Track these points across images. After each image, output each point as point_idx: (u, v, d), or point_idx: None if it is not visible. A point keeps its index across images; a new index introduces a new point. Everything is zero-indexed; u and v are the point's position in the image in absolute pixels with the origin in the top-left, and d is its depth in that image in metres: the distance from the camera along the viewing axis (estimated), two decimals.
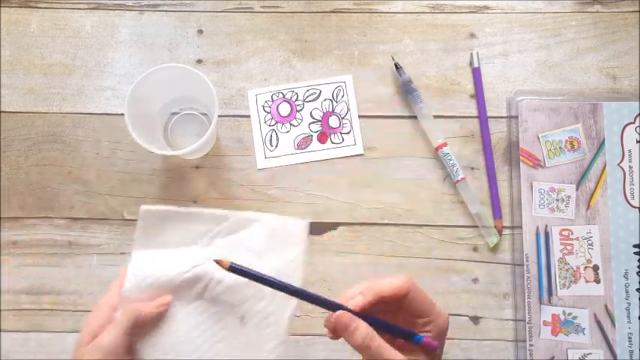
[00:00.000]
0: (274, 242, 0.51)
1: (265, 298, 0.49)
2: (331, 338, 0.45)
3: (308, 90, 0.67)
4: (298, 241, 0.51)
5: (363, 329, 0.42)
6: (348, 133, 0.66)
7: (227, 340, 0.50)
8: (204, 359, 0.49)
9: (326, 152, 0.65)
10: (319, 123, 0.66)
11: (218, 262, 0.45)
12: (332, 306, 0.44)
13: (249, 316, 0.49)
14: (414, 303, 0.43)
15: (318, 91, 0.67)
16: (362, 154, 0.65)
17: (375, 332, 0.42)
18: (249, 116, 0.66)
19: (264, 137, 0.66)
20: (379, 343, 0.41)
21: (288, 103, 0.66)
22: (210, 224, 0.50)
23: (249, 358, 0.49)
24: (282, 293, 0.47)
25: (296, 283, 0.48)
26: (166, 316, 0.49)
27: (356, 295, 0.44)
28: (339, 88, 0.67)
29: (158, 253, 0.50)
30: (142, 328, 0.46)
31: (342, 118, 0.66)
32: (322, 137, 0.66)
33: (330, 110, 0.66)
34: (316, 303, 0.45)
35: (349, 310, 0.43)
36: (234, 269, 0.45)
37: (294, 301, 0.49)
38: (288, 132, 0.66)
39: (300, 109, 0.66)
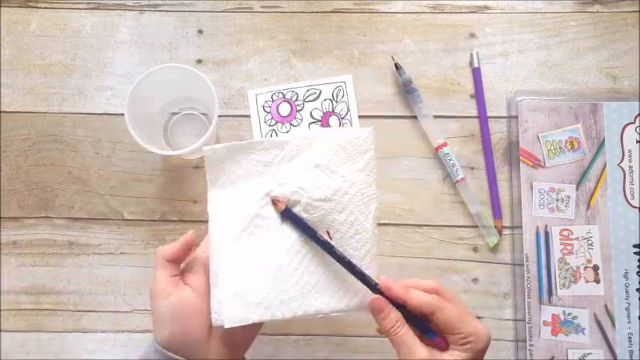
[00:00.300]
0: (342, 154, 0.51)
1: (346, 207, 0.50)
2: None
3: (308, 90, 0.67)
4: (366, 149, 0.52)
5: (393, 316, 0.45)
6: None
7: (320, 257, 0.51)
8: (304, 279, 0.50)
9: None
10: (319, 123, 0.66)
11: (274, 201, 0.47)
12: (369, 283, 0.47)
13: (334, 229, 0.50)
14: (440, 322, 0.45)
15: (318, 91, 0.67)
16: None
17: (404, 322, 0.45)
18: (249, 116, 0.66)
19: (263, 137, 0.66)
20: (406, 331, 0.45)
21: (288, 103, 0.66)
22: (274, 151, 0.52)
23: (344, 274, 0.50)
24: (365, 201, 0.50)
25: (372, 190, 0.51)
26: (256, 248, 0.50)
27: (398, 285, 0.47)
28: (339, 88, 0.67)
29: (231, 192, 0.51)
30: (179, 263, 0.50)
31: (342, 118, 0.66)
32: None
33: (330, 110, 0.66)
34: (356, 275, 0.47)
35: (385, 296, 0.47)
36: (286, 214, 0.47)
37: (373, 204, 0.51)
38: (288, 132, 0.66)
39: (300, 109, 0.66)
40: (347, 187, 0.50)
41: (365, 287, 0.48)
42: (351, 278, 0.49)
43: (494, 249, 0.64)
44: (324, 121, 0.66)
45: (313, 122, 0.66)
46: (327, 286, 0.50)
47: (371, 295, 0.48)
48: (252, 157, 0.51)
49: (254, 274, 0.49)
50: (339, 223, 0.50)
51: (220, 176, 0.51)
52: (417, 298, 0.46)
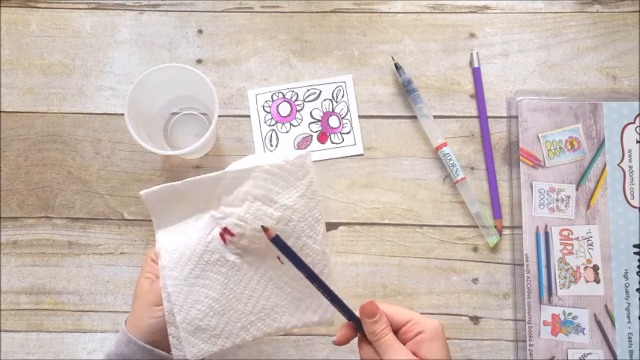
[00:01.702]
0: (281, 183, 0.52)
1: (292, 234, 0.51)
2: (337, 343, 0.49)
3: (308, 90, 0.67)
4: (304, 173, 0.52)
5: (384, 320, 0.47)
6: (348, 133, 0.66)
7: (274, 280, 0.52)
8: (260, 304, 0.52)
9: (326, 152, 0.65)
10: (319, 123, 0.66)
11: (265, 229, 0.46)
12: (349, 313, 0.48)
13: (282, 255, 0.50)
14: (389, 319, 0.47)
15: (318, 91, 0.67)
16: (362, 154, 0.65)
17: (390, 327, 0.47)
18: (249, 116, 0.66)
19: (264, 137, 0.66)
20: (392, 335, 0.46)
21: (288, 103, 0.66)
22: (211, 187, 0.52)
23: (300, 287, 0.52)
24: (310, 224, 0.51)
25: (317, 212, 0.52)
26: (209, 282, 0.51)
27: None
28: (339, 88, 0.67)
29: (178, 230, 0.52)
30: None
31: (342, 118, 0.66)
32: (322, 137, 0.66)
33: (330, 110, 0.66)
34: (339, 308, 0.48)
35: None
36: (276, 242, 0.46)
37: (320, 225, 0.52)
38: (288, 132, 0.66)
39: (300, 109, 0.66)
40: (290, 215, 0.51)
41: (325, 302, 0.52)
42: (310, 296, 0.53)
43: (495, 249, 0.64)
44: (324, 121, 0.66)
45: (313, 122, 0.66)
46: (285, 306, 0.53)
47: (332, 311, 0.53)
48: (191, 195, 0.52)
49: (210, 308, 0.50)
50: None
51: (164, 216, 0.53)
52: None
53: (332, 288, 0.48)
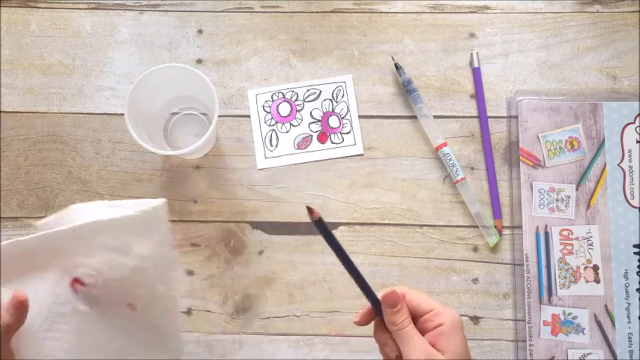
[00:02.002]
0: (135, 233, 0.51)
1: (145, 282, 0.51)
2: (357, 323, 0.48)
3: (308, 90, 0.67)
4: (159, 221, 0.52)
5: (405, 311, 0.46)
6: (348, 133, 0.66)
7: (125, 328, 0.52)
8: (113, 352, 0.52)
9: (326, 152, 0.65)
10: (319, 123, 0.66)
11: (309, 209, 0.46)
12: (373, 298, 0.47)
13: (137, 301, 0.51)
14: (411, 306, 0.46)
15: (318, 91, 0.67)
16: (362, 154, 0.65)
17: (410, 318, 0.46)
18: (249, 116, 0.66)
19: (264, 137, 0.66)
20: (413, 326, 0.46)
21: (288, 103, 0.66)
22: (65, 241, 0.50)
23: (151, 333, 0.53)
24: (164, 272, 0.52)
25: (171, 260, 0.53)
26: (58, 335, 0.49)
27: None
28: (339, 88, 0.67)
29: (24, 282, 0.49)
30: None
31: (342, 118, 0.66)
32: (322, 137, 0.66)
33: (330, 110, 0.66)
34: (362, 288, 0.48)
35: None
36: (318, 224, 0.47)
37: (177, 271, 0.55)
38: (288, 132, 0.66)
39: (300, 109, 0.66)
40: (144, 264, 0.51)
41: (174, 345, 0.54)
42: (159, 340, 0.53)
43: (494, 249, 0.64)
44: (324, 121, 0.66)
45: (313, 122, 0.66)
46: (137, 353, 0.53)
47: (179, 353, 0.55)
48: (43, 249, 0.50)
49: None
50: (140, 297, 0.51)
51: (10, 272, 0.50)
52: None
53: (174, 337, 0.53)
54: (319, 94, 0.67)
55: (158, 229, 0.52)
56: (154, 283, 0.52)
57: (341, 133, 0.66)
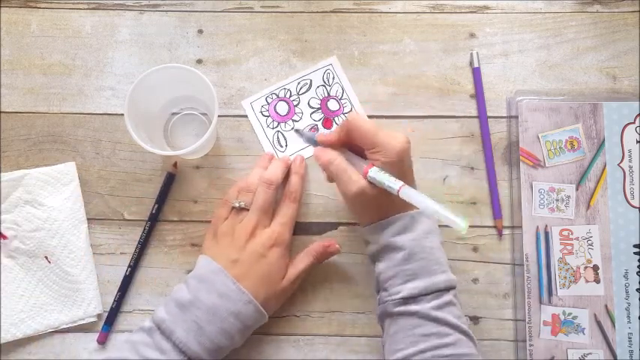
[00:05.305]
0: (48, 188, 0.63)
1: (57, 233, 0.61)
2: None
3: (299, 83, 0.67)
4: (69, 180, 0.63)
5: (328, 153, 0.55)
6: (350, 111, 0.66)
7: (43, 280, 0.61)
8: (31, 302, 0.60)
9: None
10: (320, 110, 0.66)
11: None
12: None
13: (50, 253, 0.61)
14: (356, 138, 0.54)
15: (308, 81, 0.67)
16: None
17: (341, 157, 0.55)
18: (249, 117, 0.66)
19: (272, 141, 0.66)
20: (342, 160, 0.55)
21: (284, 101, 0.66)
22: None
23: (66, 284, 0.61)
24: (74, 224, 0.62)
25: (80, 214, 0.63)
26: None
27: (333, 132, 0.57)
28: (328, 71, 0.67)
29: None
30: None
31: (340, 99, 0.66)
32: (327, 123, 0.66)
33: (326, 95, 0.66)
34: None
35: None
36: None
37: (83, 225, 0.62)
38: (292, 129, 0.66)
39: (297, 104, 0.66)
40: (56, 215, 0.61)
41: (89, 297, 0.61)
42: (75, 292, 0.61)
43: (494, 249, 0.64)
44: (323, 107, 0.66)
45: (314, 111, 0.66)
46: (54, 304, 0.61)
47: (95, 305, 0.61)
48: None
49: None
50: (53, 247, 0.61)
51: None
52: (337, 129, 0.56)
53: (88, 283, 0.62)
54: (311, 84, 0.67)
55: (68, 185, 0.63)
56: (65, 233, 0.61)
57: (343, 114, 0.66)
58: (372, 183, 0.52)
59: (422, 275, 0.52)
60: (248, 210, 0.59)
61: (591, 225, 0.63)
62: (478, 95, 0.66)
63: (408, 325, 0.51)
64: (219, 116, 0.64)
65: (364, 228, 0.56)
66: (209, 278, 0.55)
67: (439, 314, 0.51)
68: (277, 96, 0.67)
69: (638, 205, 0.63)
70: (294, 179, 0.62)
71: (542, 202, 0.63)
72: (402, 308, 0.51)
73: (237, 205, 0.60)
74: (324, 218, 0.64)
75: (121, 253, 0.64)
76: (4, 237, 0.61)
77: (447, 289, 0.52)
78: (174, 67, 0.59)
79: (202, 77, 0.57)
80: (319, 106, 0.66)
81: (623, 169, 0.63)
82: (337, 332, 0.62)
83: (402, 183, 0.51)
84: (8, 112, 0.66)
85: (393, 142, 0.52)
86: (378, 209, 0.54)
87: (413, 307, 0.51)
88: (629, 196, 0.63)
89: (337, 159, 0.55)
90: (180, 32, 0.68)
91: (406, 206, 0.53)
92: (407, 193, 0.50)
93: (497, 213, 0.64)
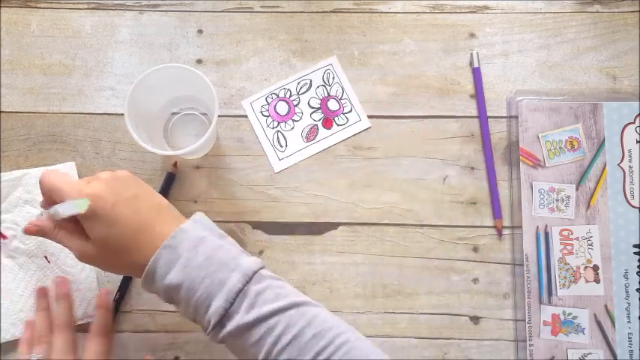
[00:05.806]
0: None
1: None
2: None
3: (299, 83, 0.67)
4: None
5: (49, 228, 0.52)
6: (350, 111, 0.66)
7: (44, 281, 0.61)
8: (30, 302, 0.60)
9: (335, 136, 0.65)
10: (320, 110, 0.66)
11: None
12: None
13: (50, 253, 0.61)
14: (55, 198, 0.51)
15: (308, 81, 0.67)
16: (369, 127, 0.65)
17: (58, 227, 0.52)
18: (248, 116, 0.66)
19: (272, 141, 0.66)
20: (62, 232, 0.52)
21: (284, 101, 0.66)
22: None
23: (72, 285, 0.61)
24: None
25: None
26: None
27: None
28: (328, 71, 0.67)
29: None
30: None
31: (340, 99, 0.66)
32: (327, 123, 0.66)
33: (326, 95, 0.66)
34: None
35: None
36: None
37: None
38: (292, 129, 0.66)
39: (297, 104, 0.66)
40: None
41: (87, 297, 0.61)
42: (74, 292, 0.61)
43: (494, 249, 0.64)
44: (323, 107, 0.66)
45: (314, 111, 0.66)
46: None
47: (93, 305, 0.61)
48: None
49: None
50: (52, 247, 0.61)
51: None
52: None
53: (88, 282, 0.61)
54: (310, 83, 0.67)
55: None
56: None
57: (343, 114, 0.66)
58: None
59: (215, 293, 0.47)
60: None
61: (591, 225, 0.63)
62: (478, 95, 0.66)
63: (238, 343, 0.48)
64: (219, 116, 0.64)
65: (141, 283, 0.51)
66: None
67: (252, 314, 0.47)
68: (277, 96, 0.67)
69: (638, 205, 0.63)
70: (98, 313, 0.60)
71: (542, 202, 0.63)
72: (224, 333, 0.47)
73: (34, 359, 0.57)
74: (324, 218, 0.64)
75: None
76: (4, 237, 0.61)
77: (247, 281, 0.48)
78: (175, 67, 0.58)
79: (202, 77, 0.57)
80: (319, 106, 0.66)
81: (623, 169, 0.63)
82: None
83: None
84: (8, 112, 0.66)
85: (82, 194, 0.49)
86: (128, 257, 0.50)
87: (229, 327, 0.47)
88: (629, 196, 0.63)
89: (59, 230, 0.52)
90: (180, 32, 0.68)
91: (154, 240, 0.49)
92: (52, 210, 0.50)
93: (497, 213, 0.64)
